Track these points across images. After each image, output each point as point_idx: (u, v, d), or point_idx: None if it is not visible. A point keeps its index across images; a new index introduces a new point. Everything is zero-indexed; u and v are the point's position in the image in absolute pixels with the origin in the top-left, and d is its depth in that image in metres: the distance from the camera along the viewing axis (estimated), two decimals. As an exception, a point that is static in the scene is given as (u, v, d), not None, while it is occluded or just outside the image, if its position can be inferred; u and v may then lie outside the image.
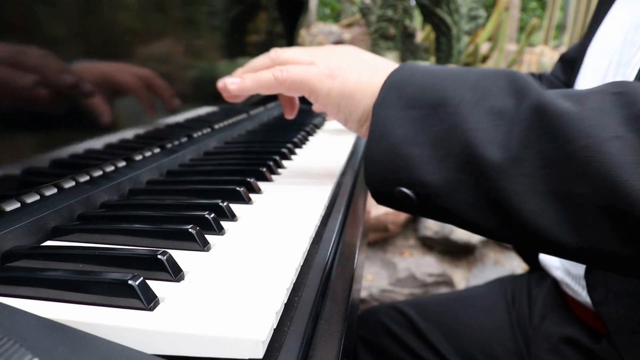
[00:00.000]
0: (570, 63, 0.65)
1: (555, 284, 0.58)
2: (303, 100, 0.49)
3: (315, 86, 0.37)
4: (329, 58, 0.38)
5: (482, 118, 0.29)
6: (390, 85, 0.33)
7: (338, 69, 0.37)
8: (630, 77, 0.44)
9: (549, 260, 0.57)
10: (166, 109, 0.52)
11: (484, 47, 2.51)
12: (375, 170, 0.33)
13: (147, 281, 0.24)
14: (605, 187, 0.26)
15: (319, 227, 0.36)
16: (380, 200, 0.34)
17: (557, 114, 0.27)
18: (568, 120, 0.27)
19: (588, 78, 0.53)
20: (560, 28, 4.28)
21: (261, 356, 0.21)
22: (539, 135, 0.28)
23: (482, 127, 0.29)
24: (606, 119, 0.26)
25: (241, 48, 0.74)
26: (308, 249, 0.32)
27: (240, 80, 0.40)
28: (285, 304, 0.25)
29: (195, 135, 0.60)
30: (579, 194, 0.26)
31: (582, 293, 0.51)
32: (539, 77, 0.73)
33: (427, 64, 0.68)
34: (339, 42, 2.64)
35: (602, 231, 0.27)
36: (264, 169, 0.46)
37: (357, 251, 0.36)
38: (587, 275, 0.47)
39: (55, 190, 0.36)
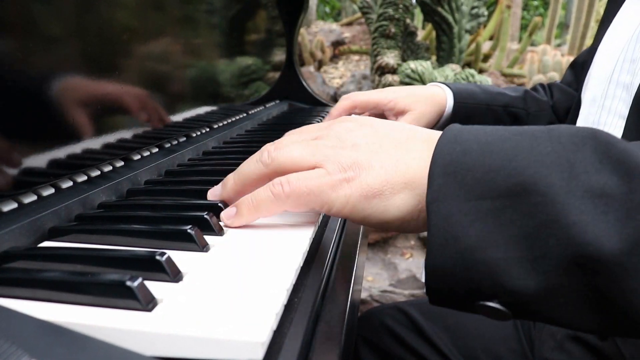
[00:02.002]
0: (581, 67, 0.65)
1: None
2: (303, 99, 0.48)
3: (329, 197, 0.29)
4: (337, 152, 0.30)
5: (583, 206, 0.24)
6: (443, 171, 0.26)
7: (353, 167, 0.29)
8: None
9: None
10: (162, 116, 0.51)
11: (486, 46, 2.51)
12: (445, 285, 0.26)
13: (146, 282, 0.24)
14: None
15: (319, 227, 0.36)
16: (448, 307, 0.28)
17: None
18: None
19: (596, 76, 0.53)
20: (563, 27, 4.27)
21: (261, 358, 0.21)
22: None
23: (587, 219, 0.23)
24: None
25: (240, 47, 0.74)
26: (308, 249, 0.32)
27: (237, 213, 0.32)
28: (285, 305, 0.24)
29: (193, 135, 0.60)
30: None
31: None
32: (549, 87, 0.74)
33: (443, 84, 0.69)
34: (339, 41, 2.64)
35: None
36: (264, 169, 0.46)
37: (357, 251, 0.36)
38: None
39: (52, 191, 0.36)
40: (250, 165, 0.33)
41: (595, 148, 0.25)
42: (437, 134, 0.30)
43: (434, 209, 0.26)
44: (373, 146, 0.30)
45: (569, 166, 0.25)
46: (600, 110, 0.51)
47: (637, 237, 0.23)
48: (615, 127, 0.49)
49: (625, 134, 0.47)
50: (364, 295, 1.31)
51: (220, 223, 0.33)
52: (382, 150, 0.30)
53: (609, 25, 0.55)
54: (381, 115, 0.68)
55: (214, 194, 0.36)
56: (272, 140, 0.52)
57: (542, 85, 0.75)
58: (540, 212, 0.24)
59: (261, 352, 0.20)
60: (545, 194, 0.24)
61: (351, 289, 0.30)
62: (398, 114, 0.65)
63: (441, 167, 0.26)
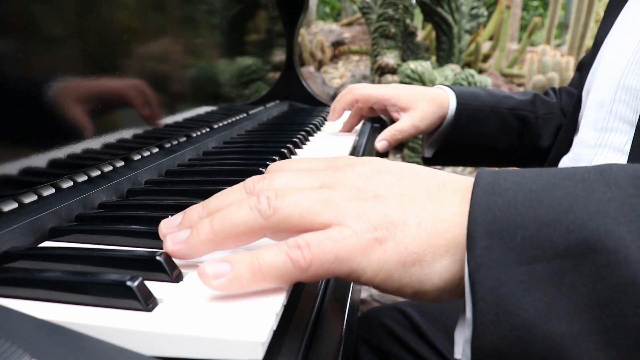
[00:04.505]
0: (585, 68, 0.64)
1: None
2: (303, 99, 0.48)
3: (359, 264, 0.23)
4: (360, 205, 0.24)
5: None
6: (486, 231, 0.22)
7: (384, 224, 0.23)
8: None
9: None
10: (158, 115, 0.52)
11: (485, 46, 2.51)
12: None
13: (146, 282, 0.24)
14: None
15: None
16: None
17: None
18: None
19: (604, 79, 0.51)
20: (562, 27, 4.27)
21: (261, 358, 0.21)
22: None
23: None
24: None
25: (241, 47, 0.74)
26: (308, 249, 0.31)
27: (233, 272, 0.23)
28: (284, 305, 0.24)
29: (194, 135, 0.60)
30: None
31: None
32: (559, 90, 0.73)
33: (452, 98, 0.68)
34: (339, 41, 2.64)
35: None
36: (263, 170, 0.46)
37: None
38: None
39: (53, 191, 0.36)
40: (241, 213, 0.25)
41: None
42: (469, 180, 0.25)
43: (479, 279, 0.21)
44: (401, 198, 0.25)
45: (637, 215, 0.21)
46: (609, 116, 0.49)
47: None
48: (624, 133, 0.47)
49: (634, 142, 0.45)
50: (364, 295, 1.31)
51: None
52: (414, 203, 0.24)
53: (610, 24, 0.53)
54: (384, 110, 0.68)
55: (173, 240, 0.26)
56: (273, 140, 0.52)
57: (553, 89, 0.74)
58: (611, 273, 0.20)
59: (261, 352, 0.20)
60: (615, 252, 0.20)
61: (351, 289, 0.30)
62: (401, 110, 0.65)
63: (483, 225, 0.22)
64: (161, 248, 0.28)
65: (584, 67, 0.68)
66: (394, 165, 0.27)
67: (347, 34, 2.77)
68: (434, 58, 2.10)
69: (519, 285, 0.21)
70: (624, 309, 0.20)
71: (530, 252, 0.21)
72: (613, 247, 0.20)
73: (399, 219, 0.24)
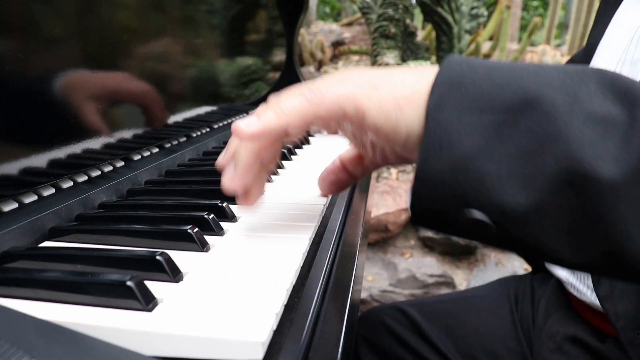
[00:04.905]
0: None
1: (559, 284, 0.58)
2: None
3: (362, 101, 0.27)
4: (358, 74, 0.29)
5: (584, 128, 0.24)
6: (448, 82, 0.26)
7: (377, 79, 0.28)
8: None
9: None
10: (162, 115, 0.52)
11: (486, 46, 2.51)
12: (431, 189, 0.25)
13: (146, 282, 0.24)
14: None
15: (319, 227, 0.36)
16: (428, 225, 0.28)
17: None
18: None
19: None
20: (562, 27, 4.27)
21: (261, 358, 0.21)
22: None
23: (588, 140, 0.23)
24: None
25: (241, 47, 0.74)
26: (308, 249, 0.32)
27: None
28: (285, 305, 0.24)
29: (194, 135, 0.60)
30: None
31: (587, 292, 0.51)
32: None
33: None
34: (339, 41, 2.64)
35: None
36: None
37: (357, 251, 0.36)
38: None
39: (53, 191, 0.36)
40: (268, 120, 0.29)
41: (600, 81, 0.25)
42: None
43: (433, 115, 0.25)
44: (388, 70, 0.29)
45: (574, 93, 0.25)
46: None
47: (636, 165, 0.23)
48: None
49: None
50: (364, 295, 1.31)
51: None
52: (396, 70, 0.29)
53: (603, 27, 0.55)
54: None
55: (225, 176, 0.31)
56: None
57: None
58: (541, 129, 0.24)
59: (261, 352, 0.21)
60: (548, 112, 0.24)
61: (351, 289, 0.30)
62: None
63: (446, 78, 0.26)
64: (161, 248, 0.28)
65: None
66: None
67: (347, 34, 2.77)
68: (434, 58, 2.10)
69: (465, 126, 0.25)
70: (544, 158, 0.24)
71: (480, 104, 0.25)
72: (547, 109, 0.24)
73: (387, 77, 0.28)
